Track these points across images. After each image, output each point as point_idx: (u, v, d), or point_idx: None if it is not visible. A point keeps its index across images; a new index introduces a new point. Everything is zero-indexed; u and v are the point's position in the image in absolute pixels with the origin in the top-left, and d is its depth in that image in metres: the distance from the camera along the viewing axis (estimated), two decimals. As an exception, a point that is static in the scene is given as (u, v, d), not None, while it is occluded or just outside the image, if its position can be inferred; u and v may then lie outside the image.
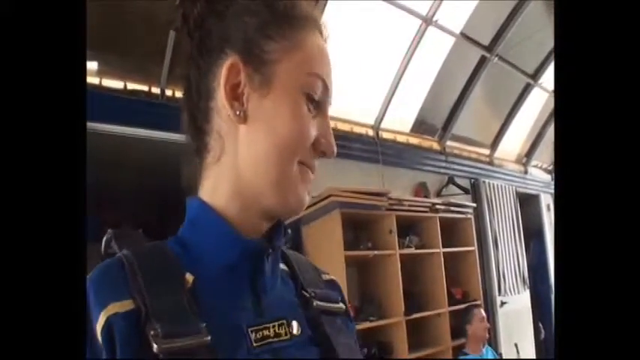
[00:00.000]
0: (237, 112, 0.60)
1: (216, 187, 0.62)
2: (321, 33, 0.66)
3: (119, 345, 0.49)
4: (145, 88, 2.93)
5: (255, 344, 0.56)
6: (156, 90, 2.96)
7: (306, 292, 0.66)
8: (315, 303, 0.65)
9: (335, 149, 0.63)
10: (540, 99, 5.92)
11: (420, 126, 4.76)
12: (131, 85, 2.88)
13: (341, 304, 0.70)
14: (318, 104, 0.62)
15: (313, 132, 0.61)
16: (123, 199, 3.29)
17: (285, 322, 0.60)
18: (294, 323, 0.61)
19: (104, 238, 0.59)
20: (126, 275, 0.53)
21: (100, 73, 2.76)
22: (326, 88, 0.63)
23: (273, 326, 0.59)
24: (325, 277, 0.73)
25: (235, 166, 0.60)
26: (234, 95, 0.60)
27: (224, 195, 0.61)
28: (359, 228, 3.65)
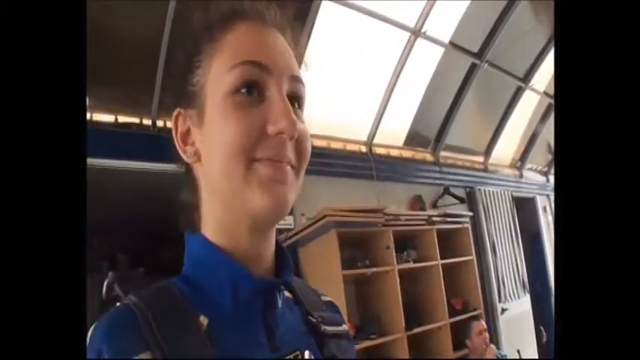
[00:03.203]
0: (189, 155, 0.62)
1: (207, 222, 0.62)
2: (259, 18, 0.62)
3: None
4: (137, 120, 2.91)
5: None
6: (147, 122, 2.94)
7: (313, 317, 0.67)
8: (324, 328, 0.66)
9: (291, 126, 0.56)
10: (532, 101, 5.92)
11: (413, 139, 4.75)
12: (122, 118, 2.87)
13: (344, 326, 0.71)
14: (257, 91, 0.58)
15: (259, 122, 0.57)
16: (117, 231, 3.27)
17: (298, 352, 0.61)
18: (307, 353, 0.62)
19: (105, 282, 0.59)
20: (139, 325, 0.52)
21: (90, 108, 2.74)
22: (265, 70, 0.58)
23: (289, 359, 0.60)
24: (324, 298, 0.74)
25: (209, 198, 0.62)
26: (185, 141, 0.63)
27: (214, 229, 0.61)
28: (356, 246, 3.63)
